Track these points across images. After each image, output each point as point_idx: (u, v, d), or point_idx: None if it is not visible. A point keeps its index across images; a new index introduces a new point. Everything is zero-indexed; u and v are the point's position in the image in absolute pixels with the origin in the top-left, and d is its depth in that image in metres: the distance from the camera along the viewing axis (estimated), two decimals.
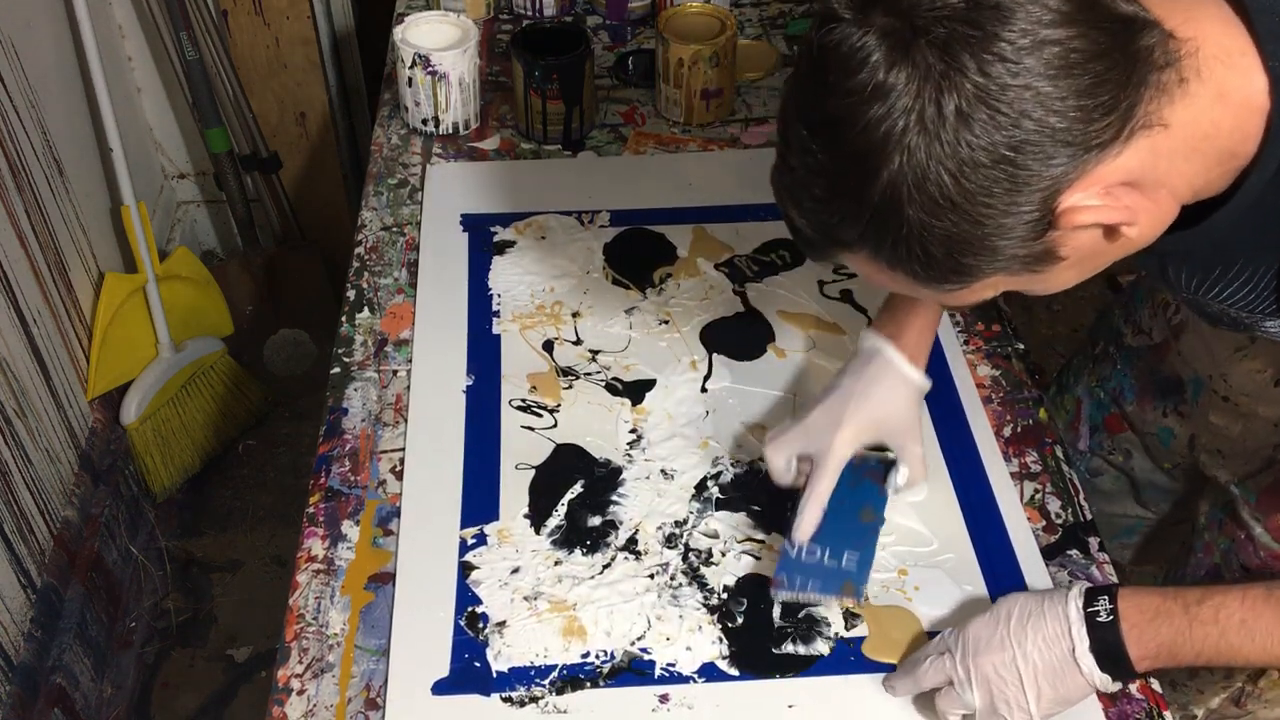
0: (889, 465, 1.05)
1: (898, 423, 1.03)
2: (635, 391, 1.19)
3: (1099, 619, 0.86)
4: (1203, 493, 1.18)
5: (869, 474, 1.06)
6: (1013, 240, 0.69)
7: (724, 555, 1.05)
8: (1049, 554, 1.05)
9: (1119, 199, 0.69)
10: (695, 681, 0.96)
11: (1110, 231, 0.72)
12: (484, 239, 1.35)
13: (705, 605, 1.01)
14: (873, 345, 1.04)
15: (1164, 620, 0.85)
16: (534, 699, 0.95)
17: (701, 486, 1.10)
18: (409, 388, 1.18)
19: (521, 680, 0.96)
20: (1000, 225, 0.68)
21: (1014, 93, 0.64)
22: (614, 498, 1.09)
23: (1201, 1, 0.73)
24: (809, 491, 1.00)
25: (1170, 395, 1.16)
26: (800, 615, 1.01)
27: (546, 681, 0.96)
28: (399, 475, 1.11)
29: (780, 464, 1.03)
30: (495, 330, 1.25)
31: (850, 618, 1.00)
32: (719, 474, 1.11)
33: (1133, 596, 0.87)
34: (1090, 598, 0.87)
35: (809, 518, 1.00)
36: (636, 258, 1.33)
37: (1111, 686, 0.87)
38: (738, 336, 1.24)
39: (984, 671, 0.88)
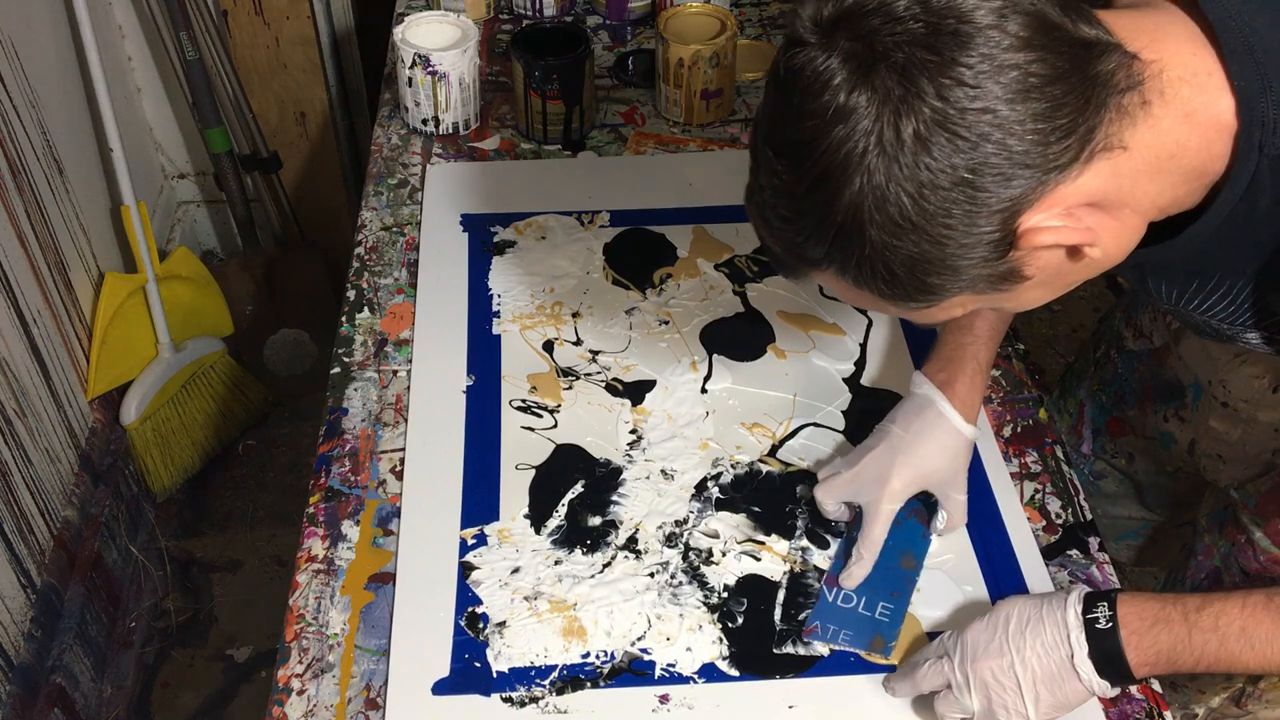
0: (933, 507, 1.05)
1: (945, 474, 1.03)
2: (635, 392, 1.19)
3: (1098, 625, 0.86)
4: (1203, 496, 1.18)
5: (913, 513, 1.06)
6: (974, 260, 0.70)
7: (724, 555, 1.05)
8: (1049, 554, 1.05)
9: (1080, 220, 0.70)
10: (695, 682, 0.96)
11: (1073, 252, 0.72)
12: (484, 239, 1.35)
13: (705, 605, 1.01)
14: (925, 395, 1.04)
15: (1163, 627, 0.84)
16: (534, 699, 0.95)
17: (701, 487, 1.10)
18: (409, 388, 1.18)
19: (521, 680, 0.96)
20: (961, 245, 0.69)
21: (972, 116, 0.65)
22: (614, 498, 1.09)
23: (1168, 23, 0.73)
24: (860, 545, 1.01)
25: (1171, 399, 1.16)
26: (802, 616, 1.01)
27: (546, 682, 0.96)
28: (399, 475, 1.11)
29: (831, 507, 1.05)
30: (495, 330, 1.25)
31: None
32: (719, 474, 1.11)
33: (1132, 603, 0.86)
34: (1089, 604, 0.87)
35: (859, 571, 1.01)
36: (636, 258, 1.33)
37: (1110, 692, 0.87)
38: (738, 337, 1.24)
39: (982, 676, 0.88)
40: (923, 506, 1.06)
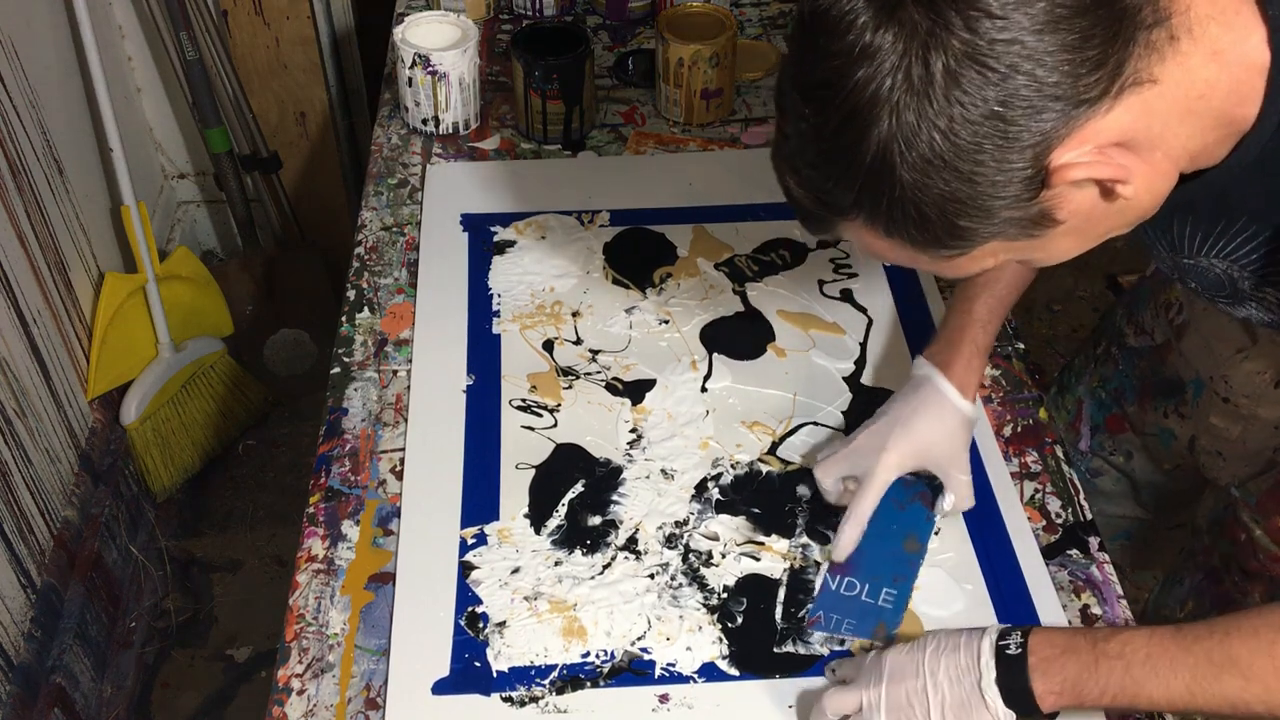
0: (937, 490, 1.05)
1: (943, 450, 1.03)
2: (635, 391, 1.19)
3: (1008, 651, 0.84)
4: (1203, 495, 1.18)
5: (918, 496, 1.06)
6: (1007, 199, 0.69)
7: (724, 557, 1.05)
8: (1049, 554, 1.05)
9: (1112, 157, 0.69)
10: (695, 681, 0.96)
11: (1107, 192, 0.71)
12: (484, 239, 1.35)
13: (705, 605, 1.01)
14: (924, 373, 1.05)
15: (1071, 656, 0.83)
16: (534, 699, 0.95)
17: (702, 487, 1.10)
18: (409, 388, 1.18)
19: (521, 680, 0.96)
20: (993, 183, 0.68)
21: (1001, 48, 0.64)
22: (614, 497, 1.09)
23: None
24: (850, 511, 1.01)
25: (1171, 396, 1.16)
26: (802, 614, 1.01)
27: (546, 681, 0.96)
28: (399, 475, 1.11)
29: (829, 484, 1.05)
30: (495, 330, 1.25)
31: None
32: (719, 475, 1.11)
33: (1044, 633, 0.85)
34: (1005, 633, 0.86)
35: (848, 537, 1.01)
36: (636, 258, 1.33)
37: None
38: (738, 336, 1.24)
39: (895, 699, 0.87)
40: (928, 489, 1.06)
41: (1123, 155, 0.69)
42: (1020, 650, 0.84)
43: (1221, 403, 1.08)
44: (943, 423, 1.03)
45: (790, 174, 0.74)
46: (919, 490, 1.06)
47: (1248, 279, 0.86)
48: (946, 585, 1.02)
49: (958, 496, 1.04)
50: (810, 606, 1.01)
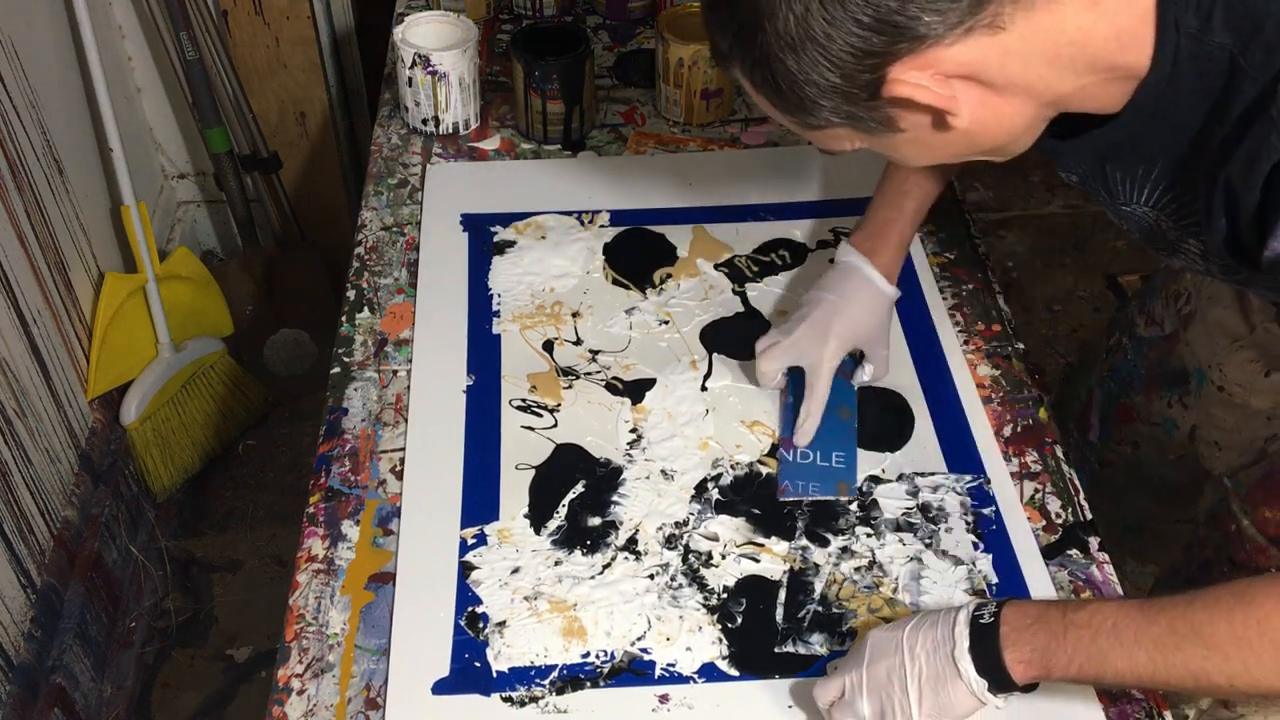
0: (856, 361, 1.16)
1: (871, 331, 1.14)
2: (635, 391, 1.19)
3: (981, 621, 0.85)
4: (1203, 488, 1.18)
5: (840, 372, 1.14)
6: (843, 94, 0.76)
7: (724, 559, 1.05)
8: (1049, 554, 1.05)
9: (948, 87, 0.74)
10: (695, 681, 0.96)
11: (939, 120, 0.77)
12: (484, 239, 1.35)
13: (705, 606, 1.01)
14: (852, 263, 1.14)
15: (1040, 625, 0.83)
16: (534, 699, 0.95)
17: (701, 488, 1.10)
18: (409, 388, 1.18)
19: (521, 680, 0.96)
20: (828, 79, 0.75)
21: None
22: (614, 498, 1.09)
23: None
24: (808, 403, 1.11)
25: (1176, 386, 1.17)
26: (801, 615, 1.01)
27: (546, 681, 0.96)
28: (399, 475, 1.11)
29: (771, 373, 1.14)
30: (495, 330, 1.25)
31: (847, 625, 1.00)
32: (719, 475, 1.11)
33: (1017, 604, 0.85)
34: (981, 605, 0.87)
35: (810, 425, 1.10)
36: (636, 258, 1.33)
37: (991, 698, 0.84)
38: (738, 336, 1.24)
39: (876, 677, 0.87)
40: (848, 363, 1.15)
41: (965, 87, 0.75)
42: (993, 620, 0.84)
43: (1216, 391, 1.09)
44: (872, 309, 1.13)
45: (703, 8, 0.82)
46: (840, 366, 1.14)
47: (1171, 227, 0.87)
48: (948, 585, 1.02)
49: (876, 368, 1.15)
50: (777, 479, 1.09)
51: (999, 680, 0.83)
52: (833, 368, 1.11)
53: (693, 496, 1.09)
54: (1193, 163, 0.79)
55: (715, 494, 1.10)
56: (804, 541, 1.06)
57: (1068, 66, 0.75)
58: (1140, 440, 1.26)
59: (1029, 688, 0.85)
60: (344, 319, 1.26)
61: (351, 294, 1.29)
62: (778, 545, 1.06)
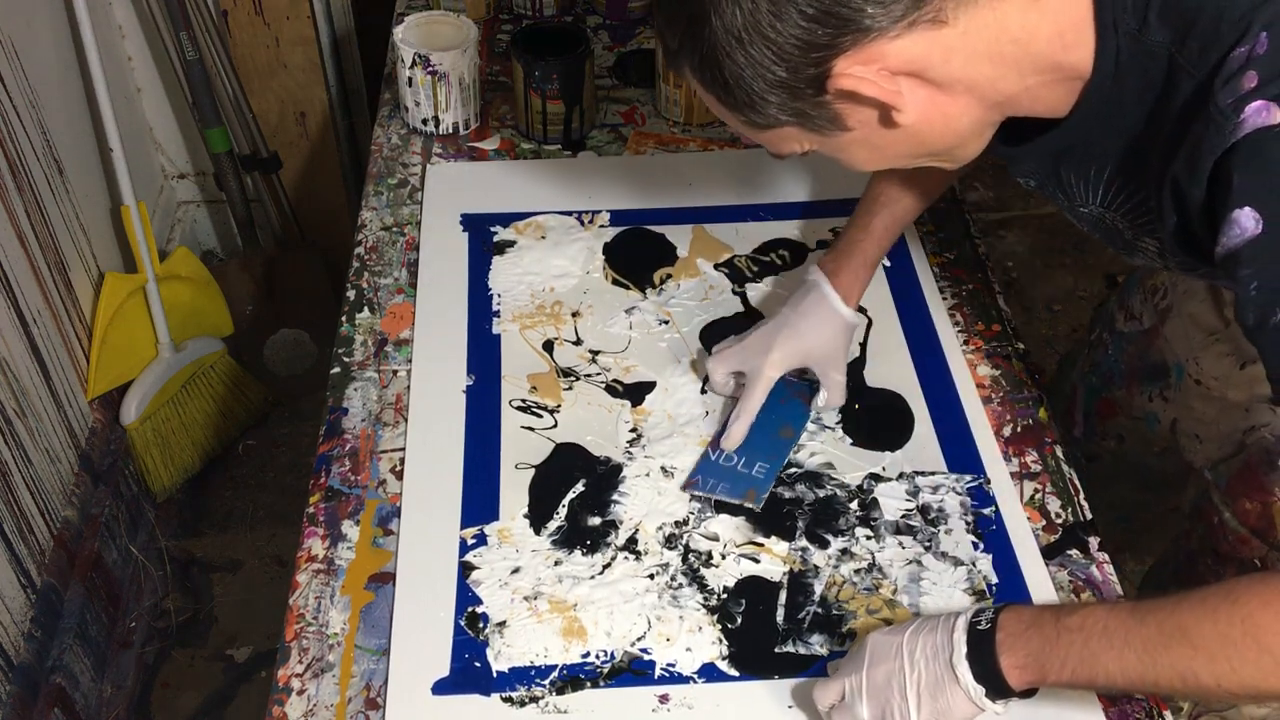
0: (816, 390, 1.15)
1: (824, 352, 1.13)
2: (635, 393, 1.19)
3: (979, 627, 0.85)
4: (1187, 481, 1.19)
5: (798, 394, 1.16)
6: (790, 89, 0.76)
7: (724, 559, 1.05)
8: (1049, 554, 1.05)
9: (893, 83, 0.75)
10: (695, 682, 0.96)
11: (885, 117, 0.77)
12: (484, 239, 1.35)
13: (705, 606, 1.01)
14: (814, 280, 1.14)
15: (1035, 630, 0.83)
16: (534, 699, 0.95)
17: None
18: (409, 388, 1.18)
19: (521, 680, 0.96)
20: (774, 74, 0.76)
21: None
22: (614, 497, 1.09)
23: None
24: (739, 407, 1.11)
25: (1156, 380, 1.18)
26: (801, 616, 1.01)
27: (546, 681, 0.96)
28: (399, 475, 1.11)
29: (719, 377, 1.15)
30: (495, 330, 1.25)
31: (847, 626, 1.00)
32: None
33: (1013, 609, 0.85)
34: (979, 611, 0.87)
35: (737, 431, 1.10)
36: (636, 258, 1.33)
37: (989, 704, 0.84)
38: None
39: (875, 680, 0.87)
40: (809, 389, 1.16)
41: (911, 84, 0.76)
42: (990, 626, 0.84)
43: (1195, 385, 1.10)
44: (826, 327, 1.12)
45: (653, 6, 0.84)
46: (800, 389, 1.16)
47: (1126, 226, 0.88)
48: (948, 587, 1.02)
49: (830, 394, 1.13)
50: (690, 473, 1.10)
51: (996, 686, 0.83)
52: (772, 378, 1.11)
53: (692, 495, 1.09)
54: (1140, 162, 0.80)
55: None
56: (804, 543, 1.06)
57: (1012, 66, 0.77)
58: (1124, 434, 1.26)
59: (1028, 694, 0.85)
60: (344, 319, 1.26)
61: (351, 294, 1.29)
62: (778, 546, 1.06)
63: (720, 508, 1.08)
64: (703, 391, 1.19)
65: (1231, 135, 0.70)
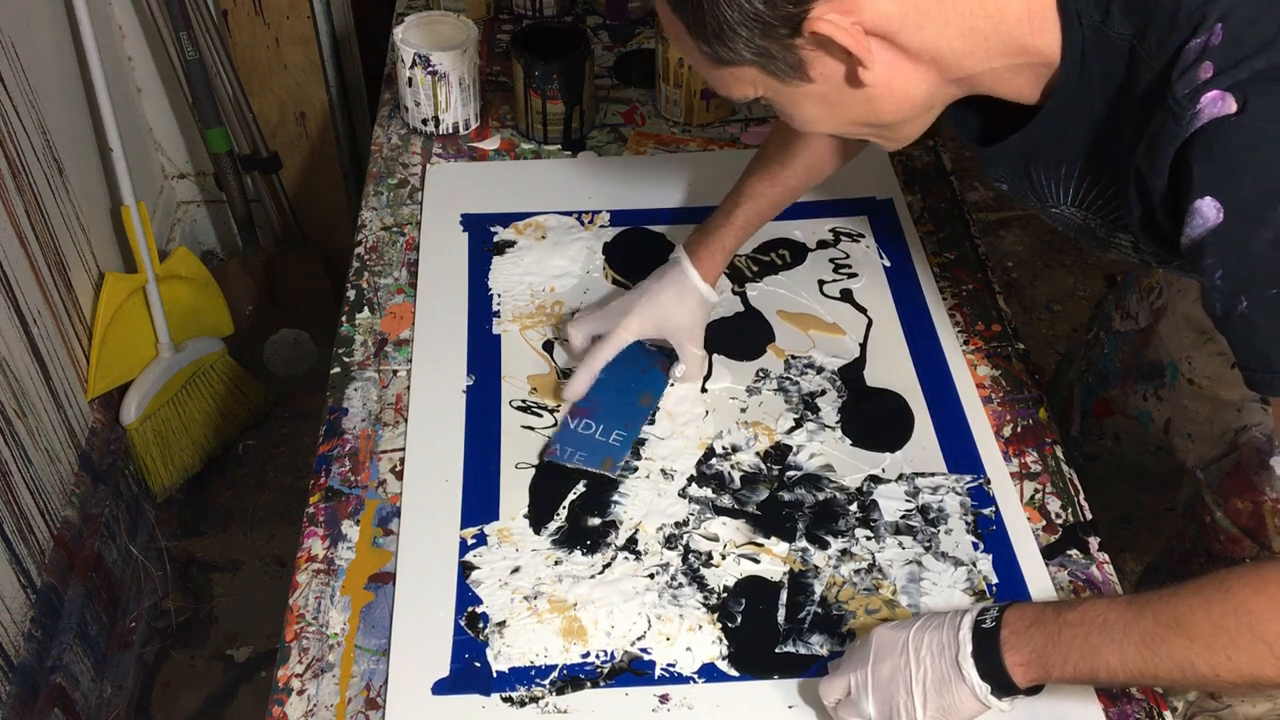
0: (675, 359, 1.18)
1: (679, 324, 1.16)
2: None
3: (984, 625, 0.85)
4: (1182, 480, 1.19)
5: (657, 364, 1.20)
6: (764, 23, 0.76)
7: (724, 559, 1.05)
8: (1049, 554, 1.05)
9: (865, 41, 0.75)
10: (695, 682, 0.96)
11: (851, 74, 0.78)
12: (484, 239, 1.35)
13: (705, 605, 1.01)
14: (677, 257, 1.18)
15: (1038, 627, 0.83)
16: (534, 699, 0.95)
17: (701, 484, 1.10)
18: (409, 388, 1.18)
19: (521, 680, 0.96)
20: (754, 5, 0.75)
21: None
22: (614, 497, 1.09)
23: None
24: (586, 360, 1.14)
25: (1151, 379, 1.18)
26: (801, 616, 1.01)
27: (546, 681, 0.96)
28: (399, 475, 1.11)
29: (578, 340, 1.18)
30: (495, 330, 1.25)
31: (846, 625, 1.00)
32: (719, 475, 1.11)
33: (1017, 607, 0.86)
34: (985, 609, 0.87)
35: (579, 382, 1.14)
36: (636, 258, 1.33)
37: (995, 702, 0.84)
38: (738, 336, 1.24)
39: (881, 676, 0.87)
40: (667, 359, 1.19)
41: (880, 45, 0.77)
42: (995, 624, 0.84)
43: (1188, 384, 1.10)
44: (683, 300, 1.16)
45: None
46: (660, 359, 1.20)
47: (1099, 224, 0.88)
48: (948, 588, 1.02)
49: (687, 366, 1.17)
50: (549, 441, 1.12)
51: (1001, 683, 0.83)
52: (625, 339, 1.14)
53: (692, 497, 1.09)
54: (1107, 156, 0.81)
55: (713, 494, 1.10)
56: (804, 543, 1.06)
57: (980, 43, 0.77)
58: (1121, 434, 1.27)
59: (1033, 691, 0.85)
60: (344, 319, 1.26)
61: (351, 294, 1.29)
62: (778, 546, 1.06)
63: (719, 510, 1.08)
64: (703, 390, 1.19)
65: (1189, 126, 0.71)
